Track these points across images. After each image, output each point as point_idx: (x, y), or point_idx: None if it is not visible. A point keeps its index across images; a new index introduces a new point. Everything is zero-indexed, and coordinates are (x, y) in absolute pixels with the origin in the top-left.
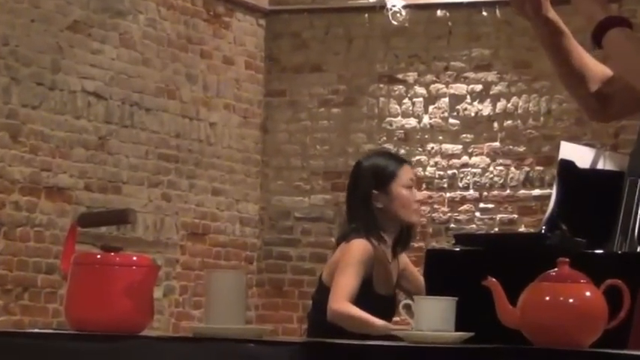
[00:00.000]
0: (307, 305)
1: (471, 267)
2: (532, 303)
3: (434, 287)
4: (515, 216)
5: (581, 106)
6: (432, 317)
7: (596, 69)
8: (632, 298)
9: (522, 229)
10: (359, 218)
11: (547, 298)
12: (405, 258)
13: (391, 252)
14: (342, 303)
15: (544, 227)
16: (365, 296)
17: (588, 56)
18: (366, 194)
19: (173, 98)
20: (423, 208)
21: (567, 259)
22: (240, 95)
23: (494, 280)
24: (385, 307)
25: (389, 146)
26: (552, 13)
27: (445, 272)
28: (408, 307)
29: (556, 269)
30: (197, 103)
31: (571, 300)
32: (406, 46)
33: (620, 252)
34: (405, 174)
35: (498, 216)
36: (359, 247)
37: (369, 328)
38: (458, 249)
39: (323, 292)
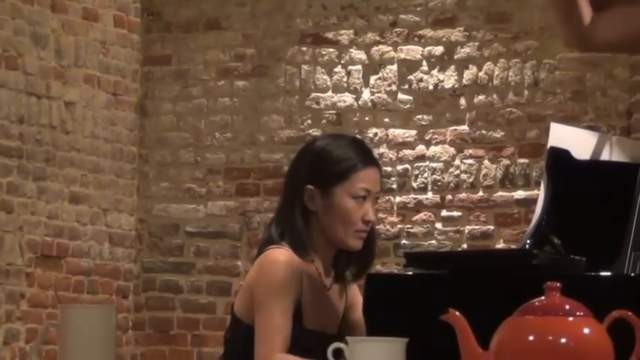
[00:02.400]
0: (204, 356)
1: (428, 297)
2: (510, 344)
3: (377, 324)
4: (491, 227)
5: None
6: None
7: None
8: None
9: (500, 244)
10: (281, 220)
11: (530, 338)
12: (355, 290)
13: (333, 275)
14: (274, 355)
15: (528, 241)
16: (292, 332)
17: None
18: (298, 185)
19: (14, 68)
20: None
21: (558, 284)
22: (108, 64)
23: (457, 314)
24: (317, 350)
25: (316, 132)
26: None
27: (392, 304)
28: (339, 353)
29: (543, 298)
30: (48, 75)
31: (563, 340)
32: None
33: (632, 274)
34: (362, 180)
35: (467, 228)
36: (279, 259)
37: None
38: (410, 273)
39: (238, 329)
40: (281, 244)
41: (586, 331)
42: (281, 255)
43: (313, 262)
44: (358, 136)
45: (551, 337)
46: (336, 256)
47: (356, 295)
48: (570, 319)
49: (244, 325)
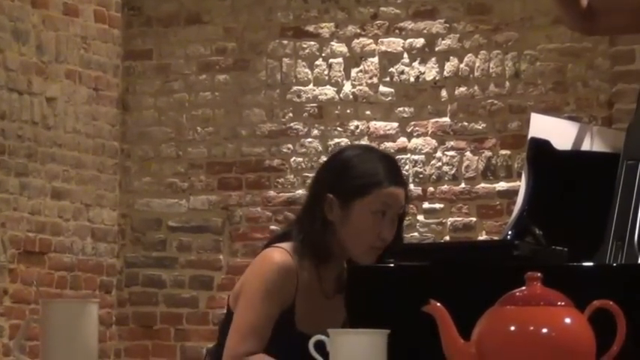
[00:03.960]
0: (187, 350)
1: (409, 288)
2: (491, 334)
3: (359, 316)
4: (473, 219)
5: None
6: (355, 358)
7: None
8: (631, 325)
9: (483, 236)
10: (302, 226)
11: (512, 328)
12: None
13: (335, 284)
14: (238, 349)
15: (510, 232)
16: (282, 333)
17: None
18: (320, 193)
19: None
20: None
21: (539, 274)
22: (89, 59)
23: (438, 305)
24: (308, 353)
25: (297, 125)
26: None
27: (374, 296)
28: (320, 346)
29: (524, 288)
30: (29, 71)
31: (545, 329)
32: None
33: (613, 264)
34: (384, 198)
35: (449, 219)
36: (272, 260)
37: None
38: (392, 264)
39: (228, 321)
40: (282, 244)
41: (567, 320)
42: (278, 256)
43: (318, 267)
44: (390, 154)
45: (532, 327)
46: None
47: None
48: (551, 309)
49: None
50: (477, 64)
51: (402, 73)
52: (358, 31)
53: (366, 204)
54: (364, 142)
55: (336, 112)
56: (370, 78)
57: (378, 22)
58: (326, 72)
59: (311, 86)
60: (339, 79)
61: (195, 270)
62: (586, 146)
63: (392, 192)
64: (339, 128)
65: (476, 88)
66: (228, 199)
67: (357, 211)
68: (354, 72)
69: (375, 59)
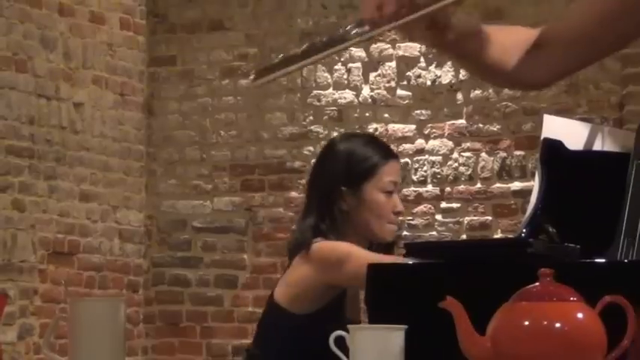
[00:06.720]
0: (213, 347)
1: (427, 286)
2: (506, 329)
3: (377, 313)
4: (489, 218)
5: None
6: (374, 352)
7: (519, 36)
8: None
9: (499, 234)
10: (317, 217)
11: (526, 323)
12: None
13: None
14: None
15: (524, 230)
16: (335, 320)
17: (506, 32)
18: (331, 188)
19: (23, 71)
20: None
21: (551, 270)
22: (115, 65)
23: (455, 301)
24: None
25: (318, 128)
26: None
27: (392, 293)
28: (340, 341)
29: (537, 284)
30: (57, 77)
31: (558, 324)
32: None
33: (624, 260)
34: (389, 173)
35: (466, 218)
36: (332, 245)
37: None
38: (410, 262)
39: (276, 315)
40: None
41: (579, 315)
42: (330, 243)
43: None
44: (373, 133)
45: (545, 322)
46: None
47: None
48: (563, 304)
49: (285, 311)
50: None
51: (419, 76)
52: (376, 36)
53: (376, 183)
54: None
55: (355, 115)
56: (388, 82)
57: None
58: (345, 76)
59: (331, 90)
60: (358, 83)
61: (219, 269)
62: (597, 146)
63: (393, 165)
64: (357, 131)
65: (490, 91)
66: (252, 200)
67: (369, 193)
68: (372, 76)
69: (393, 64)
